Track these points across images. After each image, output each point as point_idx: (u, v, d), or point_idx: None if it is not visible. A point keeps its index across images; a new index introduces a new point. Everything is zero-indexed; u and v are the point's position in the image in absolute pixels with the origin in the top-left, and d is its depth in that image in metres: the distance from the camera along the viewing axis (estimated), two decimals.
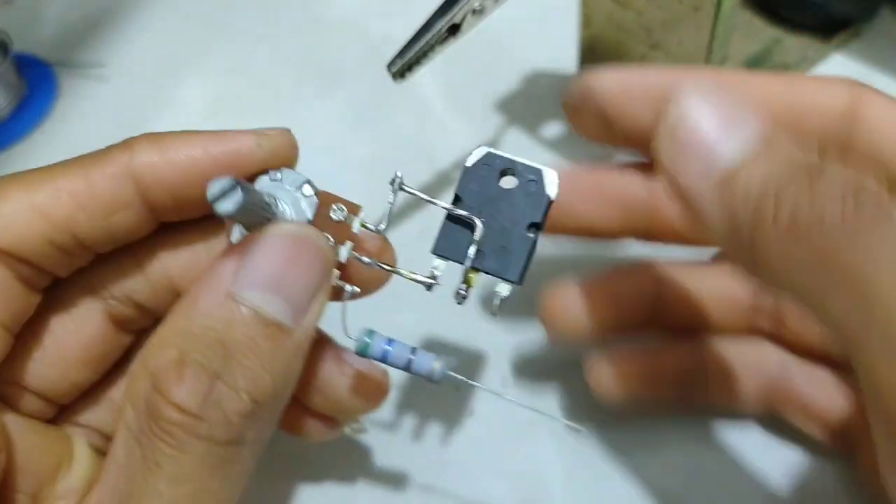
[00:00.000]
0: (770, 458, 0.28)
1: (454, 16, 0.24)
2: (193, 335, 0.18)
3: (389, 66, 0.23)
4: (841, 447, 0.27)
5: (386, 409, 0.31)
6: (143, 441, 0.18)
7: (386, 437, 0.30)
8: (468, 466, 0.29)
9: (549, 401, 0.30)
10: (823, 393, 0.26)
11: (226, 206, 0.18)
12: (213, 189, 0.18)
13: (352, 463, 0.30)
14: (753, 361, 0.27)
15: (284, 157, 0.22)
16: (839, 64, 0.40)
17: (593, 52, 0.36)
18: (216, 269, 0.20)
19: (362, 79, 0.42)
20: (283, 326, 0.19)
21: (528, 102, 0.40)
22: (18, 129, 0.41)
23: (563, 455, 0.29)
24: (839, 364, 0.26)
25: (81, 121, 0.42)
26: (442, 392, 0.31)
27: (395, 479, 0.29)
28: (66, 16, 0.47)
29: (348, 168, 0.38)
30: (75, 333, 0.23)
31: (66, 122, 0.42)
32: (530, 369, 0.31)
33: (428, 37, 0.23)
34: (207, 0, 0.47)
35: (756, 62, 0.38)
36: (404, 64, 0.23)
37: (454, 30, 0.24)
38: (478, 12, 0.24)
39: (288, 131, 0.22)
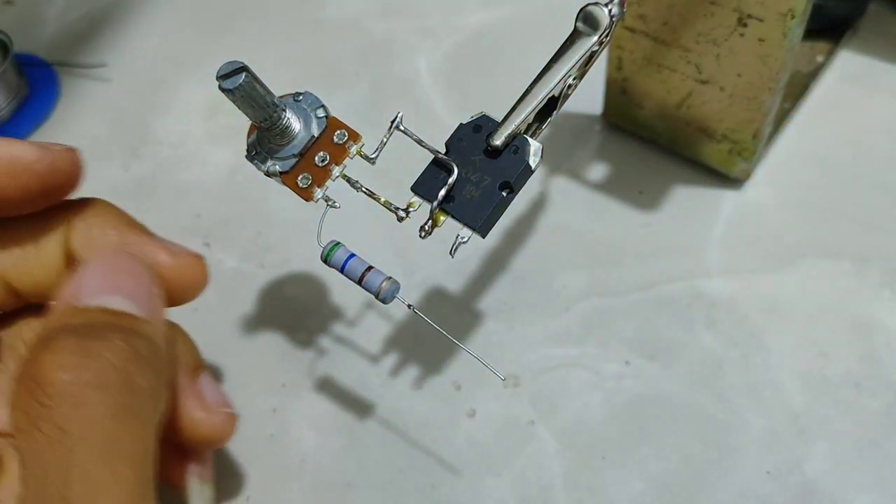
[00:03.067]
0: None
1: (552, 89, 0.25)
2: (55, 328, 0.21)
3: (489, 137, 0.24)
4: None
5: (385, 409, 0.31)
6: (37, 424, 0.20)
7: (385, 437, 0.30)
8: (468, 466, 0.29)
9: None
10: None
11: (226, 84, 0.22)
12: (222, 69, 0.22)
13: (351, 463, 0.30)
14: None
15: (65, 171, 0.24)
16: (846, 61, 0.40)
17: (625, 92, 0.36)
18: (61, 294, 0.22)
19: (362, 79, 0.42)
20: (131, 315, 0.22)
21: None
22: (19, 130, 0.41)
23: (563, 455, 0.29)
24: None
25: (82, 121, 0.42)
26: (442, 392, 0.31)
27: (394, 480, 0.29)
28: (67, 16, 0.47)
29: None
30: None
31: (67, 122, 0.42)
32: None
33: (528, 110, 0.24)
34: (208, 0, 0.47)
35: None
36: (508, 136, 0.24)
37: (553, 103, 0.25)
38: (571, 87, 0.25)
39: (73, 150, 0.24)
